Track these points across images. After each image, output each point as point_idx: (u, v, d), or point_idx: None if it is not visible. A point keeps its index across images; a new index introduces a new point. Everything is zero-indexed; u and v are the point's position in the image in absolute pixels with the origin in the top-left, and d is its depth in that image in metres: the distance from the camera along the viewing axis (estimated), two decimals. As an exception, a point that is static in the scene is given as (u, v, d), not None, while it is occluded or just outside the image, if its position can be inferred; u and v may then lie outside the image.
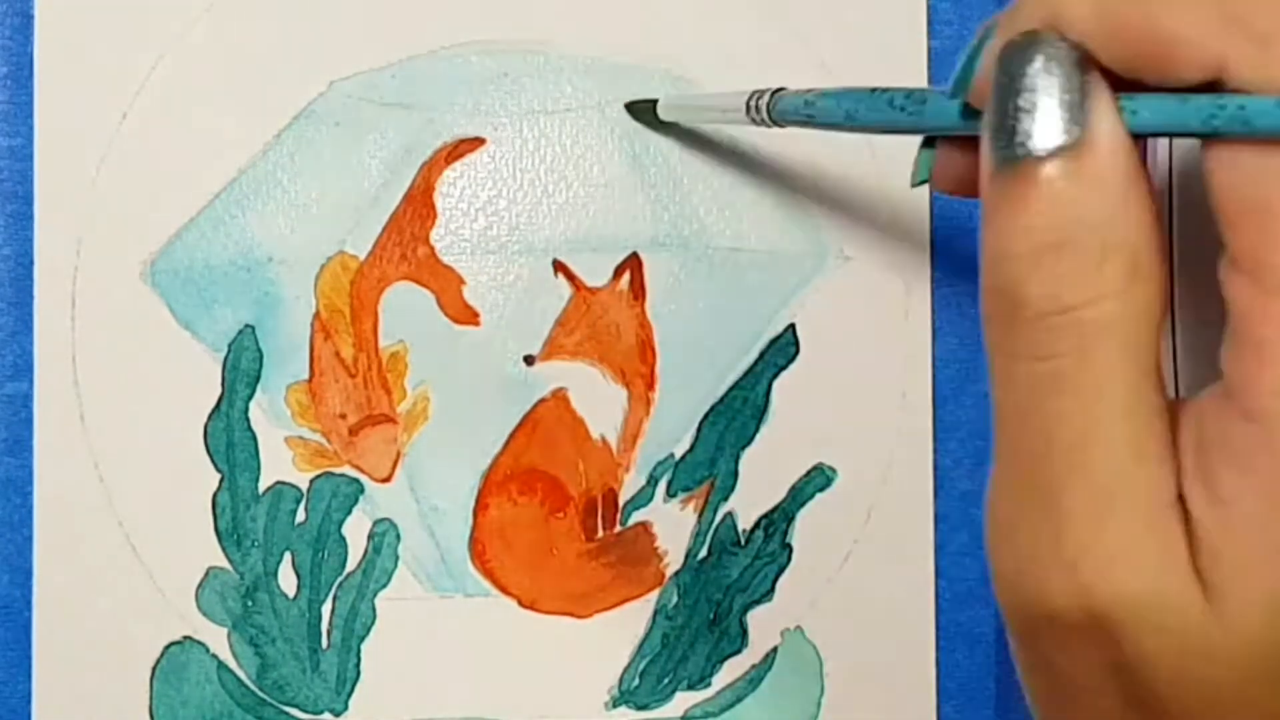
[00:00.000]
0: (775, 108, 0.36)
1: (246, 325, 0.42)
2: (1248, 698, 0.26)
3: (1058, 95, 0.26)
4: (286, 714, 0.42)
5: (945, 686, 0.43)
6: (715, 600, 0.43)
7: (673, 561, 0.43)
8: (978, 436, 0.43)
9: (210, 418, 0.42)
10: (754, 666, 0.43)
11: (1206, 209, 0.26)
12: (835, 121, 0.33)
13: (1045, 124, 0.26)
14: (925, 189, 0.34)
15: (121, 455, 0.42)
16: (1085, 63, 0.26)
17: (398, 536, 0.43)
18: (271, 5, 0.43)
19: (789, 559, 0.43)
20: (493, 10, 0.43)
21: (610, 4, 0.43)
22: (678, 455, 0.43)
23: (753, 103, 0.37)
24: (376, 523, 0.43)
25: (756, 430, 0.43)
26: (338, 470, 0.43)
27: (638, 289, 0.43)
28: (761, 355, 0.43)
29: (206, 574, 0.42)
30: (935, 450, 0.43)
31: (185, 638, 0.42)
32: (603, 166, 0.43)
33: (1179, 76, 0.25)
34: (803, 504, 0.43)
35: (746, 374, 0.43)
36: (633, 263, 0.43)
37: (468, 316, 0.43)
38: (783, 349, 0.43)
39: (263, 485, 0.42)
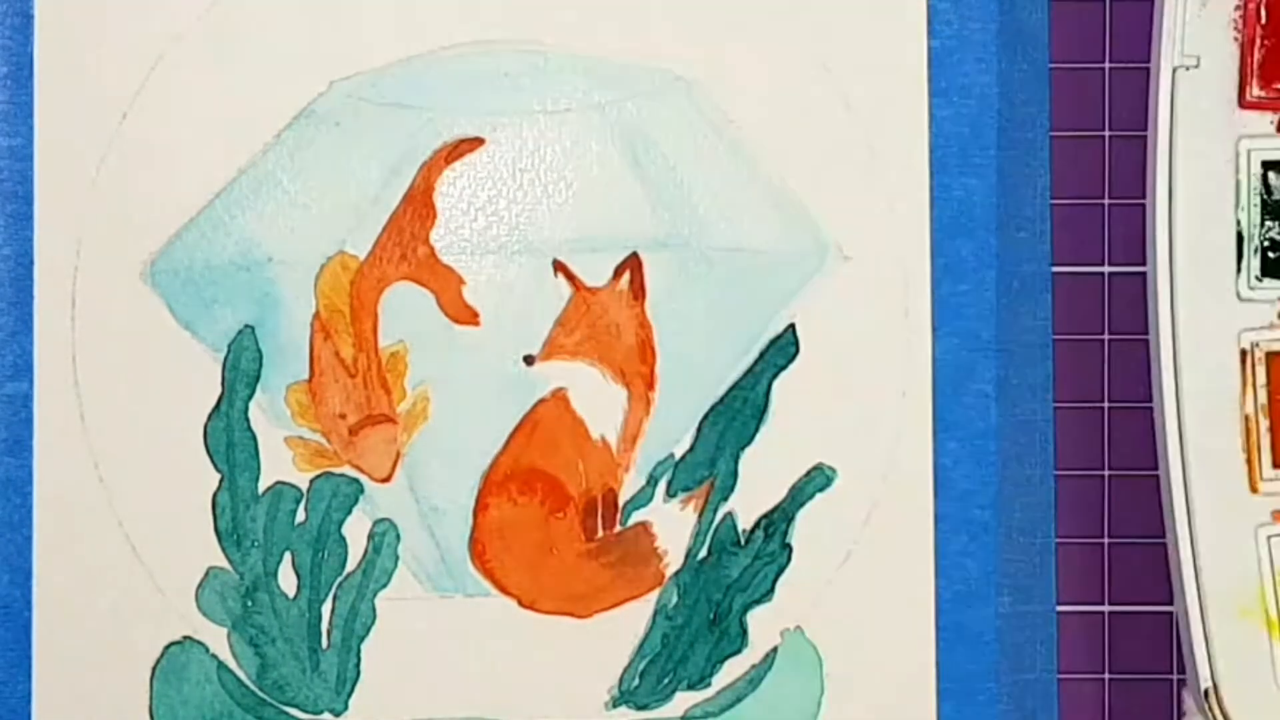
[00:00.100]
0: None
1: (246, 325, 0.42)
2: None
3: None
4: (286, 714, 0.42)
5: (945, 686, 0.43)
6: (715, 600, 0.43)
7: (673, 561, 0.43)
8: (978, 436, 0.43)
9: (210, 418, 0.42)
10: (754, 666, 0.43)
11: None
12: None
13: None
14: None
15: (121, 455, 0.42)
16: None
17: (398, 536, 0.43)
18: (271, 5, 0.43)
19: (789, 559, 0.43)
20: (492, 10, 0.43)
21: (610, 4, 0.43)
22: (678, 455, 0.43)
23: None
24: (376, 523, 0.43)
25: (756, 430, 0.43)
26: (338, 470, 0.43)
27: (638, 289, 0.43)
28: (761, 355, 0.43)
29: (206, 574, 0.42)
30: (935, 450, 0.43)
31: (185, 638, 0.42)
32: (603, 166, 0.43)
33: None
34: (803, 504, 0.43)
35: (746, 374, 0.43)
36: (633, 263, 0.43)
37: (468, 316, 0.43)
38: (783, 349, 0.43)
39: (263, 485, 0.42)
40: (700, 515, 0.43)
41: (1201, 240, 0.41)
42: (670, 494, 0.43)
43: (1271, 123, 0.41)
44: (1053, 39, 0.44)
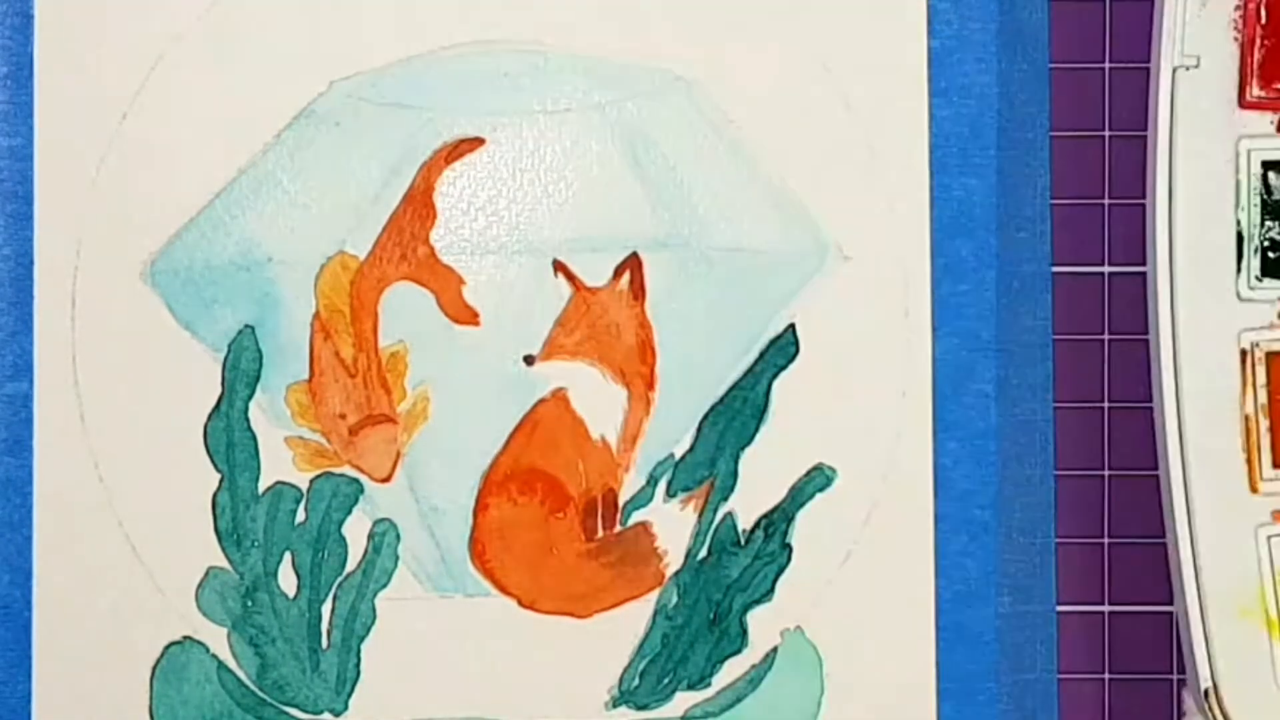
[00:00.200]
0: None
1: (246, 325, 0.42)
2: None
3: None
4: (286, 714, 0.42)
5: (945, 686, 0.43)
6: (715, 600, 0.43)
7: (673, 561, 0.43)
8: (978, 436, 0.43)
9: (210, 418, 0.42)
10: (754, 666, 0.43)
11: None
12: None
13: None
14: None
15: (121, 455, 0.42)
16: None
17: (398, 536, 0.43)
18: (271, 5, 0.43)
19: (789, 559, 0.43)
20: (492, 10, 0.43)
21: (610, 4, 0.43)
22: (678, 455, 0.43)
23: None
24: (376, 523, 0.43)
25: (756, 430, 0.43)
26: (338, 470, 0.43)
27: (637, 289, 0.43)
28: (761, 355, 0.43)
29: (206, 574, 0.42)
30: (935, 450, 0.43)
31: (185, 638, 0.42)
32: (603, 166, 0.43)
33: None
34: (803, 504, 0.43)
35: (746, 374, 0.43)
36: (633, 263, 0.43)
37: (468, 316, 0.43)
38: (783, 349, 0.43)
39: (263, 485, 0.42)
40: (700, 515, 0.43)
41: (1201, 240, 0.41)
42: (670, 494, 0.43)
43: (1271, 123, 0.41)
44: (1053, 39, 0.44)
